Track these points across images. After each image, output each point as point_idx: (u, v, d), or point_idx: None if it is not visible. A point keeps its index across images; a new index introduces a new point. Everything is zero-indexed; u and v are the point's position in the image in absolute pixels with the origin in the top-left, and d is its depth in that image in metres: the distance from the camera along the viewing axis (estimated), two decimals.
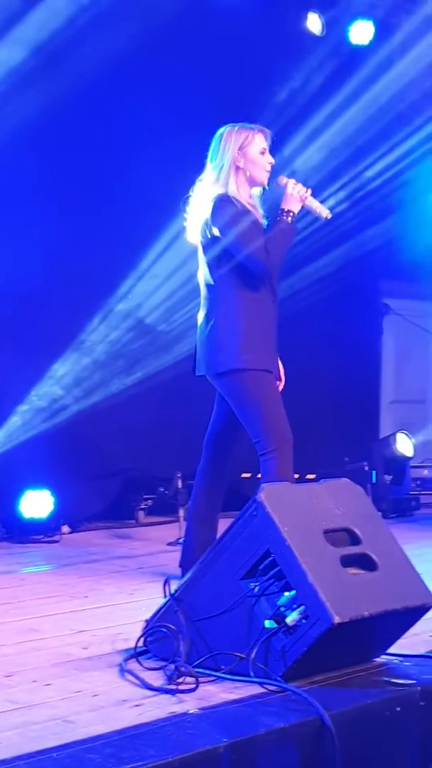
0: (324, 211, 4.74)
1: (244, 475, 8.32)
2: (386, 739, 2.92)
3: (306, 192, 4.69)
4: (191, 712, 2.84)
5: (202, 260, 4.79)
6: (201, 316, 4.80)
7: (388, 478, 8.03)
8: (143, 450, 7.78)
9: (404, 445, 8.24)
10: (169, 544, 6.43)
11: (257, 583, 3.20)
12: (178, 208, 8.19)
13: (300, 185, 4.70)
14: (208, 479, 4.95)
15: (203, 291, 4.80)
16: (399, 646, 3.43)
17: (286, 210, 4.66)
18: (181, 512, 6.67)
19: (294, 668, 3.09)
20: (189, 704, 2.93)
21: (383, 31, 8.74)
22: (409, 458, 8.31)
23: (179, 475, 6.95)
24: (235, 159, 4.69)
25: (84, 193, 7.48)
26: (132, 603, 4.52)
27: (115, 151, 7.56)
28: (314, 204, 4.73)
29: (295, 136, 8.31)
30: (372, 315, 10.25)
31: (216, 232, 4.64)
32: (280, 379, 4.87)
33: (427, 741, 3.01)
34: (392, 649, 3.42)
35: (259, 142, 4.72)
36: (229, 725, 2.69)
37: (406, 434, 8.34)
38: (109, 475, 7.72)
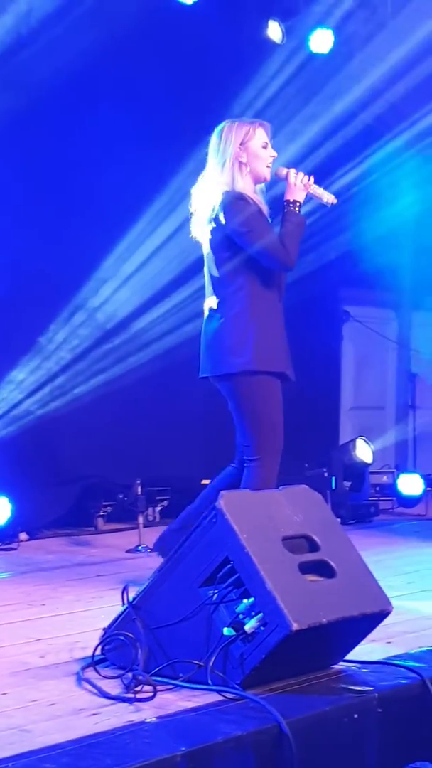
0: (329, 197, 4.65)
1: (204, 481, 8.32)
2: (344, 746, 2.92)
3: (308, 180, 4.62)
4: (149, 720, 2.82)
5: (209, 258, 4.70)
6: (209, 314, 4.72)
7: (347, 484, 8.06)
8: (102, 457, 7.77)
9: (363, 452, 8.28)
10: (129, 551, 6.41)
11: (216, 591, 3.20)
12: (139, 214, 8.23)
13: (301, 173, 4.63)
14: (232, 483, 4.87)
15: (210, 289, 4.72)
16: (357, 653, 3.44)
17: (291, 201, 4.59)
18: (141, 519, 6.65)
19: (252, 676, 3.08)
20: (146, 713, 2.91)
21: (343, 40, 8.79)
22: (368, 465, 8.35)
23: (139, 482, 6.94)
24: (237, 154, 4.60)
25: (45, 198, 7.47)
26: (90, 611, 4.49)
27: (77, 157, 7.56)
28: (318, 191, 4.65)
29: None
30: (332, 322, 10.30)
31: (230, 230, 4.56)
32: (292, 379, 4.76)
33: (384, 748, 3.01)
34: (350, 656, 3.42)
35: (260, 136, 4.64)
36: (186, 733, 2.68)
37: (365, 441, 8.38)
38: (67, 481, 7.69)
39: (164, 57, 8.11)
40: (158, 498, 7.86)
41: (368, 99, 9.01)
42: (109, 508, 7.60)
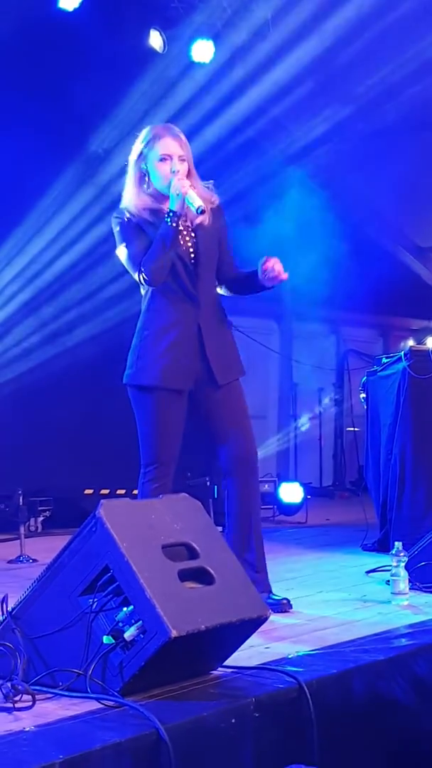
0: (197, 204, 4.39)
1: (86, 491, 8.31)
2: (222, 750, 2.95)
3: (184, 189, 4.42)
4: (27, 729, 2.81)
5: None
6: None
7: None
8: None
9: None
10: (10, 561, 6.36)
11: (96, 599, 3.20)
12: (20, 221, 8.18)
13: (181, 182, 4.44)
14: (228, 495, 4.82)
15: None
16: (235, 659, 3.48)
17: (168, 212, 4.45)
18: (22, 529, 6.61)
19: (132, 683, 3.10)
20: (25, 722, 2.90)
21: (223, 50, 8.90)
22: None
23: (20, 491, 6.89)
24: (137, 162, 4.58)
25: None
26: None
27: None
28: (192, 198, 4.41)
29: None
30: None
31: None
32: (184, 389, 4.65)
33: (261, 752, 3.06)
34: (229, 662, 3.45)
35: (160, 148, 4.52)
36: (64, 741, 2.68)
37: None
38: None
39: (45, 63, 8.08)
40: (40, 508, 7.82)
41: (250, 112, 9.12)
42: None
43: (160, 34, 8.92)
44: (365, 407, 7.01)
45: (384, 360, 6.85)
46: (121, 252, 4.57)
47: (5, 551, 6.74)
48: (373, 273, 11.42)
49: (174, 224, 4.45)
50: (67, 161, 8.52)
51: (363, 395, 7.00)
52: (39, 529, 7.83)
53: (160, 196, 4.57)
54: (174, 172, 4.49)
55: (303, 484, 9.50)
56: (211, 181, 4.73)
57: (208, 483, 8.01)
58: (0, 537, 7.40)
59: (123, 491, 8.01)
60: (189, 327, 4.61)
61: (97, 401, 8.37)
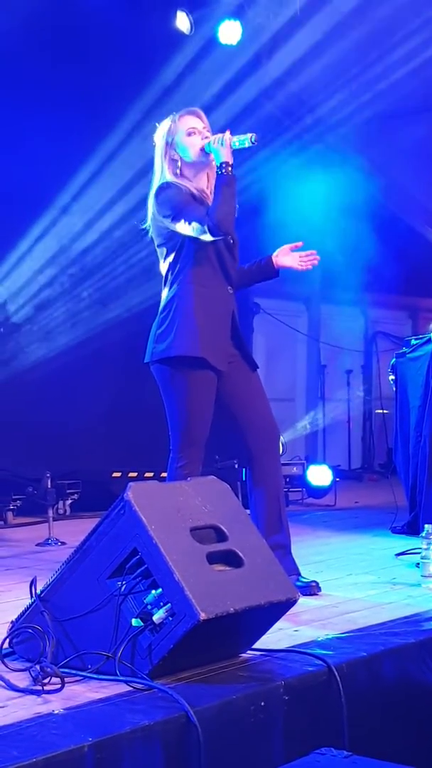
0: (250, 136, 4.40)
1: (114, 474, 8.32)
2: (251, 734, 2.95)
3: (226, 137, 4.42)
4: (56, 712, 2.82)
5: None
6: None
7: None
8: (11, 450, 7.71)
9: None
10: (38, 544, 6.38)
11: (124, 582, 3.20)
12: (48, 207, 8.19)
13: (218, 135, 4.45)
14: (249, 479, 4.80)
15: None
16: (264, 642, 3.47)
17: (220, 164, 4.41)
18: (51, 512, 6.62)
19: (160, 666, 3.09)
20: (54, 705, 2.91)
21: (251, 32, 8.85)
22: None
23: (48, 475, 6.91)
24: (165, 152, 4.55)
25: None
26: None
27: None
28: (237, 139, 4.41)
29: None
30: (243, 314, 10.34)
31: (159, 219, 4.49)
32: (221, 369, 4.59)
33: (290, 734, 3.05)
34: (258, 645, 3.45)
35: (184, 125, 4.54)
36: (94, 724, 2.68)
37: None
38: None
39: (72, 48, 8.07)
40: (68, 491, 7.84)
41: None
42: (18, 501, 7.56)
43: (187, 16, 8.87)
44: (394, 389, 6.97)
45: (413, 341, 6.81)
46: (179, 215, 4.42)
47: (34, 534, 6.77)
48: (401, 254, 11.35)
49: (230, 173, 4.40)
50: (93, 149, 8.50)
51: (392, 377, 6.96)
52: (67, 512, 7.84)
53: (199, 171, 4.57)
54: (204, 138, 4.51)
55: (332, 467, 9.47)
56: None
57: (236, 466, 8.00)
58: (28, 520, 7.43)
59: (151, 474, 8.02)
60: (227, 308, 4.62)
61: (125, 384, 8.37)
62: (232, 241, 4.62)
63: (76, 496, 7.92)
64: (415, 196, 12.62)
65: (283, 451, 8.50)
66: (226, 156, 4.42)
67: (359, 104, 9.90)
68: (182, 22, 8.83)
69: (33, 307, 8.19)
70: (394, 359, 6.98)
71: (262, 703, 2.99)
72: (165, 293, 4.62)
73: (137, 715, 2.75)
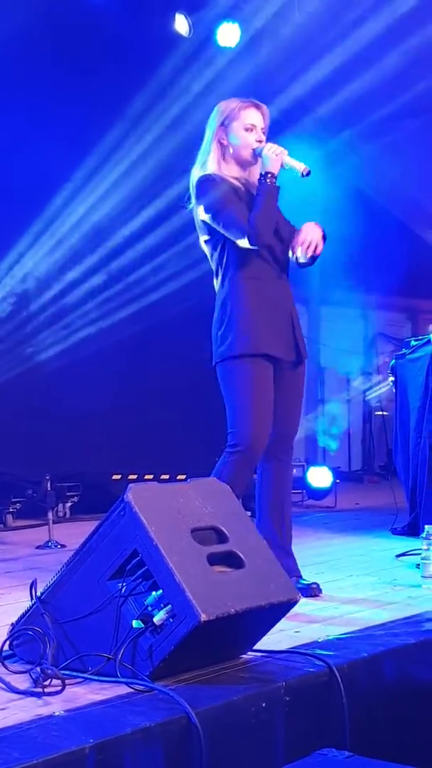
0: (303, 167, 4.44)
1: (114, 476, 8.32)
2: (252, 735, 2.94)
3: (282, 151, 4.42)
4: (57, 714, 2.81)
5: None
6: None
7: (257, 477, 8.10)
8: (10, 452, 7.70)
9: None
10: (38, 547, 6.37)
11: (124, 583, 3.19)
12: (48, 207, 8.20)
13: (276, 145, 4.44)
14: (263, 479, 4.79)
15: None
16: (265, 643, 3.46)
17: (265, 173, 4.40)
18: (50, 515, 6.61)
19: (161, 667, 3.09)
20: (55, 706, 2.90)
21: (249, 34, 8.85)
22: None
23: (48, 477, 6.90)
24: (216, 135, 4.50)
25: None
26: None
27: None
28: (291, 162, 4.45)
29: (171, 138, 8.38)
30: None
31: (206, 216, 4.45)
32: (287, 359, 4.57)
33: (292, 735, 3.04)
34: (259, 646, 3.44)
35: (246, 117, 4.49)
36: (95, 726, 2.67)
37: None
38: None
39: (71, 51, 8.08)
40: (68, 494, 7.83)
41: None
42: (18, 504, 7.55)
43: (186, 18, 8.87)
44: (394, 391, 6.97)
45: (413, 343, 6.81)
46: (218, 217, 4.40)
47: (34, 537, 6.76)
48: (401, 256, 11.34)
49: (274, 183, 4.39)
50: (89, 151, 8.50)
51: (391, 379, 6.96)
52: (67, 515, 7.84)
53: (243, 165, 4.54)
54: (260, 141, 4.48)
55: (332, 469, 9.46)
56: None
57: None
58: (28, 522, 7.42)
59: (151, 476, 8.01)
60: (283, 297, 4.58)
61: (125, 386, 8.37)
62: (284, 236, 4.57)
63: (76, 499, 7.91)
64: (415, 198, 12.63)
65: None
66: (274, 168, 4.41)
67: (359, 106, 9.89)
68: (181, 24, 8.83)
69: (33, 309, 8.18)
70: (393, 361, 6.98)
71: (264, 704, 2.98)
72: (217, 287, 4.60)
73: (138, 717, 2.74)
